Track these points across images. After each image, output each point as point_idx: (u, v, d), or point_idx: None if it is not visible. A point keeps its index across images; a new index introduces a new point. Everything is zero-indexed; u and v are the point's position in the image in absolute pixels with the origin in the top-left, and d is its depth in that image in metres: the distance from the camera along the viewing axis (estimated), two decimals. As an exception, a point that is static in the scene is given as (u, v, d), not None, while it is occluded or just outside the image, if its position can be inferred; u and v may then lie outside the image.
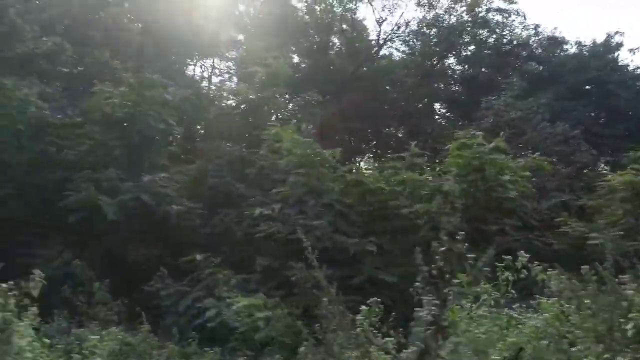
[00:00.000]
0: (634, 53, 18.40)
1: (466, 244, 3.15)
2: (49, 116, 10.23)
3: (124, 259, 10.42)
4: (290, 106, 15.35)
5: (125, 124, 10.55)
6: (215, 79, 23.07)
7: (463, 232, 3.16)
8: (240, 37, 22.41)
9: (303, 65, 20.82)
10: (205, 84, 22.24)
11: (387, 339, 3.54)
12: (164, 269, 9.73)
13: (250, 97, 13.76)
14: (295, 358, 7.57)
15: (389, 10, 21.38)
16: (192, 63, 22.58)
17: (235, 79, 21.91)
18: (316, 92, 14.99)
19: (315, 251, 4.14)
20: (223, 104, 18.26)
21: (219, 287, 9.02)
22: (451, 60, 23.07)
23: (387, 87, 22.78)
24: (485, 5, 20.68)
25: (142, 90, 10.90)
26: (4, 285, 3.25)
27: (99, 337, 5.20)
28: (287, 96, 15.09)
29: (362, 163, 22.00)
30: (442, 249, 2.87)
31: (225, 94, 20.34)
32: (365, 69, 21.74)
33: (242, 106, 14.55)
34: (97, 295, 9.08)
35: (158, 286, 9.37)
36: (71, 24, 14.14)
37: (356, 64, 21.03)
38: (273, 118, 13.68)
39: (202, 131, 17.22)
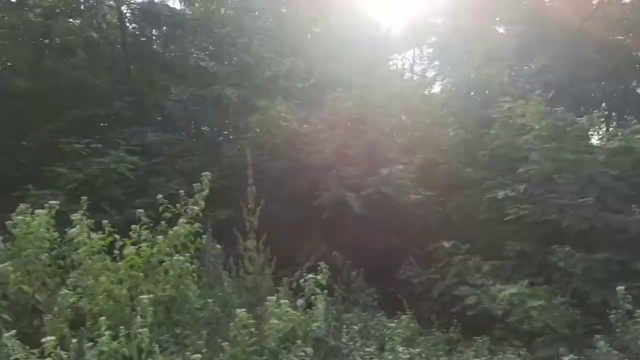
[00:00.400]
0: None
1: None
2: (296, 127, 11.34)
3: (370, 249, 10.91)
4: (516, 78, 14.05)
5: (359, 124, 11.04)
6: (417, 68, 22.87)
7: None
8: (439, 20, 21.69)
9: (516, 32, 18.87)
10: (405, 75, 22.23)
11: None
12: (411, 257, 9.90)
13: (471, 76, 13.03)
14: (574, 350, 6.71)
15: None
16: (393, 58, 22.84)
17: (437, 62, 21.37)
18: (542, 57, 13.37)
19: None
20: (428, 91, 17.91)
21: (470, 274, 8.68)
22: None
23: (621, 37, 19.06)
24: None
25: (370, 90, 11.31)
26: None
27: (394, 324, 5.36)
28: (512, 68, 13.84)
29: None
30: None
31: (429, 80, 19.95)
32: (591, 21, 18.54)
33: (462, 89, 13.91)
34: (355, 283, 9.69)
35: (409, 274, 9.53)
36: (296, 45, 15.52)
37: (580, 17, 18.10)
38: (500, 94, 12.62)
39: (419, 120, 17.14)
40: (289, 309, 3.64)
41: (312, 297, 4.11)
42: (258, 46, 13.14)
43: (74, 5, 13.61)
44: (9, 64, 14.44)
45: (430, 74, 21.60)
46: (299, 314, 3.68)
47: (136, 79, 14.20)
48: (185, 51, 12.64)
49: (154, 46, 14.88)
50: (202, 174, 5.79)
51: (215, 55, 14.27)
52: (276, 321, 3.43)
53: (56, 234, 5.78)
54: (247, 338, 3.51)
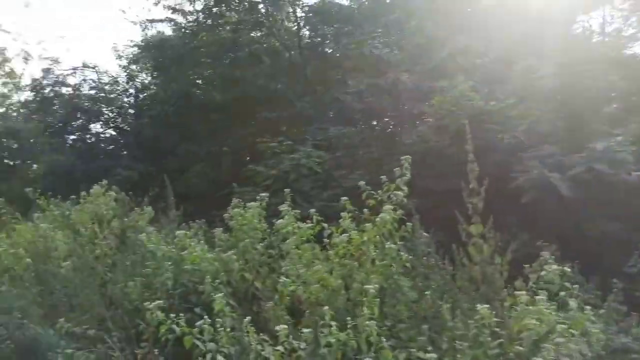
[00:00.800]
0: None
1: None
2: (482, 105, 10.31)
3: (580, 237, 9.32)
4: None
5: (557, 94, 9.53)
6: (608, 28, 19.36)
7: None
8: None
9: None
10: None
11: None
12: (641, 246, 8.10)
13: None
14: None
15: None
16: (578, 21, 19.74)
17: (633, 19, 17.77)
18: None
19: None
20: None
21: None
22: None
23: None
24: None
25: (564, 55, 9.68)
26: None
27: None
28: None
29: None
30: None
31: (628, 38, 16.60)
32: None
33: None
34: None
35: (641, 267, 7.79)
36: (470, 20, 14.28)
37: None
38: None
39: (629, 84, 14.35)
40: (542, 306, 2.97)
41: (562, 294, 3.36)
42: (430, 26, 12.38)
43: (257, 16, 14.69)
44: (206, 78, 16.29)
45: (627, 32, 18.19)
46: (554, 313, 2.98)
47: (312, 78, 14.69)
48: (357, 43, 12.61)
49: (326, 43, 15.23)
50: (402, 158, 5.39)
51: (385, 43, 13.94)
52: (533, 321, 2.80)
53: (265, 225, 6.00)
54: (489, 339, 2.95)
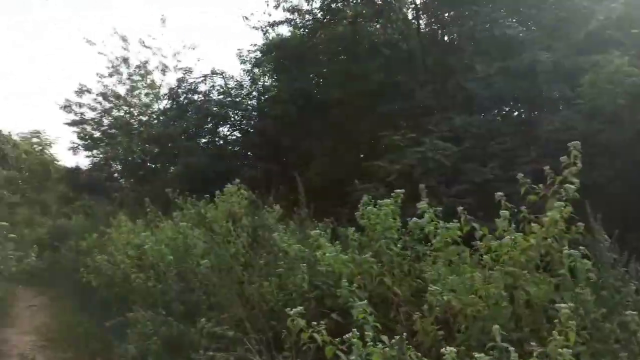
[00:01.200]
0: None
1: None
2: (648, 82, 8.58)
3: None
4: None
5: None
6: None
7: None
8: None
9: None
10: None
11: None
12: None
13: None
14: None
15: None
16: None
17: None
18: None
19: None
20: None
21: None
22: None
23: None
24: None
25: None
26: None
27: None
28: None
29: None
30: None
31: None
32: None
33: None
34: None
35: None
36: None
37: None
38: None
39: None
40: None
41: None
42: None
43: (375, 8, 14.17)
44: (325, 75, 16.16)
45: None
46: None
47: (433, 66, 13.77)
48: (487, 24, 11.42)
49: (447, 29, 14.17)
50: (570, 144, 4.45)
51: (517, 22, 12.49)
52: None
53: (400, 224, 5.46)
54: None
